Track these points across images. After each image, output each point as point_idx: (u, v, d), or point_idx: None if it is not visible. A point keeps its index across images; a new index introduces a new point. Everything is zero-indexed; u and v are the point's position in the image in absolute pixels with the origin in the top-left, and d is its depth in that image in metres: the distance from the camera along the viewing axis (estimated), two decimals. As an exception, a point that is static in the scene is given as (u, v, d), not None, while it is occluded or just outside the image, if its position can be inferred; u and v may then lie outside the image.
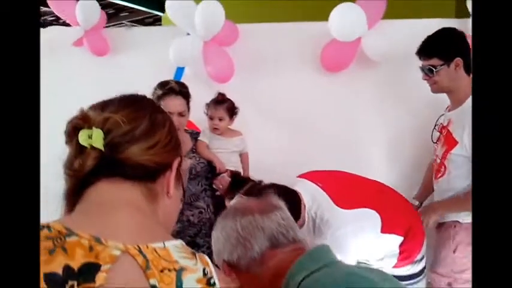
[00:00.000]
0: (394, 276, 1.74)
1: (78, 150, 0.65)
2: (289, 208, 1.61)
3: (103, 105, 0.70)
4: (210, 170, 2.16)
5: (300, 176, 1.90)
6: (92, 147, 0.64)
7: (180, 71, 2.45)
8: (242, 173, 2.24)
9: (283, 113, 2.52)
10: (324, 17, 2.28)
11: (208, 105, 2.23)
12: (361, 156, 2.45)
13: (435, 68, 1.86)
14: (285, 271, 0.92)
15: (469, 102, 1.80)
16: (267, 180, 1.78)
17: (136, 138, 0.66)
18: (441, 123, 2.00)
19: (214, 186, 2.13)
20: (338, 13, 2.23)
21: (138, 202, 0.68)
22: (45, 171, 0.71)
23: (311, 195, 1.75)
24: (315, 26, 2.45)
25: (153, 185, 0.70)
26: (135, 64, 2.64)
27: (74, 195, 0.67)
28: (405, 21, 2.40)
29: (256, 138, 2.39)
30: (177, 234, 1.83)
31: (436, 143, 2.02)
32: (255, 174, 2.13)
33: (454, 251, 1.86)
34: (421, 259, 1.83)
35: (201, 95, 2.22)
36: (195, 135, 2.22)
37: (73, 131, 0.66)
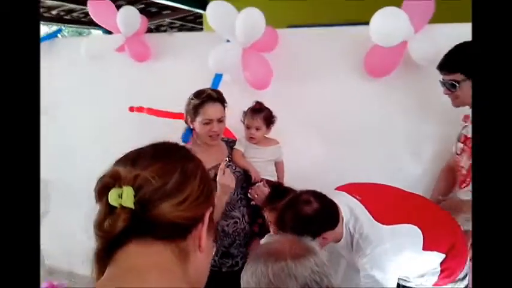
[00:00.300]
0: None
1: (108, 210, 0.64)
2: (327, 217, 1.59)
3: (134, 160, 0.68)
4: (246, 179, 2.14)
5: (338, 189, 1.86)
6: (122, 207, 0.63)
7: (218, 77, 2.45)
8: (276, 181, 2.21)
9: (322, 120, 2.44)
10: (369, 18, 2.15)
11: (245, 113, 2.21)
12: (401, 168, 2.36)
13: (458, 84, 1.80)
14: None
15: None
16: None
17: (167, 194, 0.65)
18: (463, 134, 1.95)
19: (249, 196, 2.10)
20: (378, 19, 2.12)
21: (169, 265, 0.66)
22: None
23: (349, 208, 1.71)
24: (357, 30, 2.34)
25: (184, 243, 0.68)
26: (175, 70, 2.67)
27: (104, 257, 0.65)
28: (454, 24, 2.26)
29: (294, 147, 2.34)
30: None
31: (459, 154, 1.96)
32: (291, 183, 2.10)
33: (470, 259, 1.80)
34: (464, 277, 1.75)
35: (240, 102, 2.20)
36: (231, 143, 2.22)
37: (103, 190, 0.65)
